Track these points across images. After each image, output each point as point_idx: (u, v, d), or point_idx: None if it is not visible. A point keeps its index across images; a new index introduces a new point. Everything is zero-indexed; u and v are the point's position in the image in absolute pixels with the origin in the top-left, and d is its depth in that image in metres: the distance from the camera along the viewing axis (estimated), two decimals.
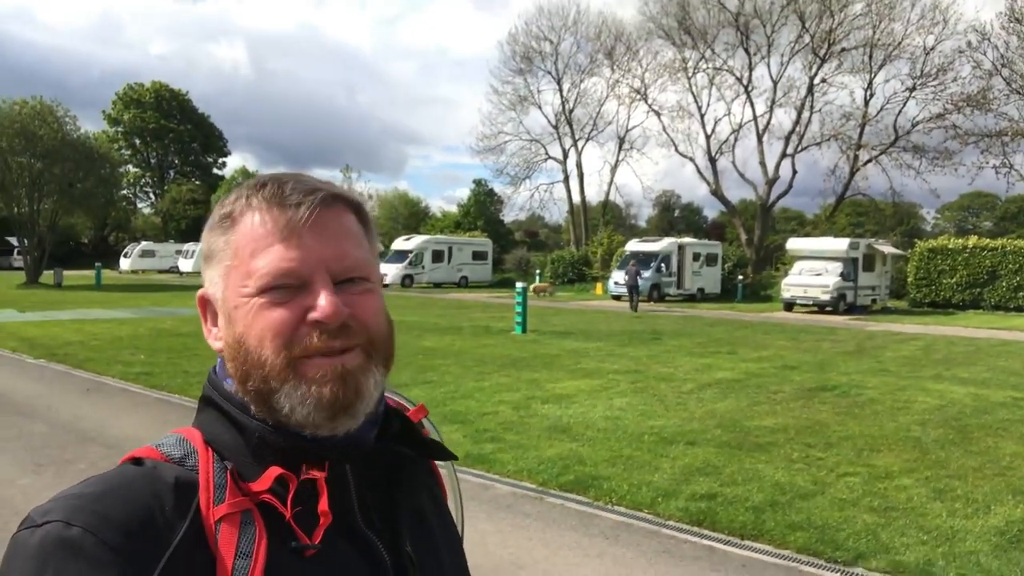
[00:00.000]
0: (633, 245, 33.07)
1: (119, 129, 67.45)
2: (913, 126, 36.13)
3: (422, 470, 0.91)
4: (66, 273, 36.82)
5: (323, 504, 0.76)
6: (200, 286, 0.84)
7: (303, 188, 0.79)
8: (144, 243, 54.71)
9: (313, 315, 0.75)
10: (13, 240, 46.59)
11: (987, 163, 34.18)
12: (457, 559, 0.94)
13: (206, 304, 0.83)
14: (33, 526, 0.68)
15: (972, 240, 29.99)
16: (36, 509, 0.70)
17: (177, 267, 50.89)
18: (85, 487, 0.72)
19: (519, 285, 17.36)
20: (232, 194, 0.81)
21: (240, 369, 0.77)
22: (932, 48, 34.59)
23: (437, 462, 0.97)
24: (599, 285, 36.52)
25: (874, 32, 35.74)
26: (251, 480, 0.75)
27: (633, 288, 25.66)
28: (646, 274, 30.15)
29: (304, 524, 0.74)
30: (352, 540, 0.78)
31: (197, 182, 67.94)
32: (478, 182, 58.12)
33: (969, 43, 32.92)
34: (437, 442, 0.92)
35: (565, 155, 49.01)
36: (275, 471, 0.74)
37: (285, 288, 0.76)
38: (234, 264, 0.78)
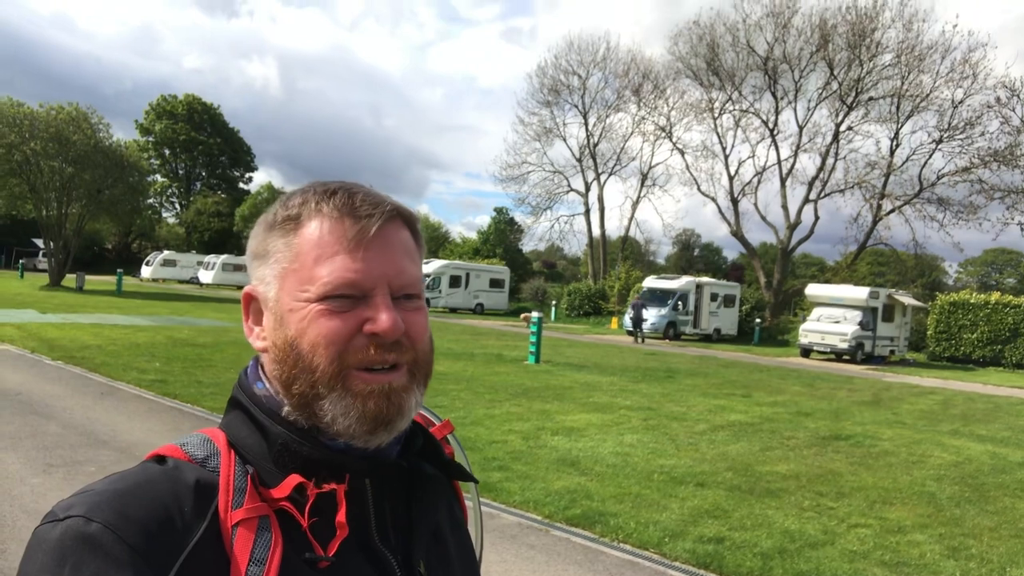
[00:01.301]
0: (651, 282, 33.02)
1: (150, 139, 68.66)
2: (938, 178, 35.94)
3: (442, 488, 0.90)
4: (88, 278, 37.31)
5: (341, 516, 0.76)
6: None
7: (372, 200, 0.80)
8: (167, 252, 55.35)
9: (372, 328, 0.76)
10: (39, 242, 47.35)
11: (1012, 219, 33.91)
12: None
13: (251, 302, 0.84)
14: (55, 520, 0.68)
15: (995, 296, 29.64)
16: (59, 503, 0.71)
17: (198, 278, 51.38)
18: (108, 484, 0.72)
19: (535, 315, 17.35)
20: (297, 197, 0.82)
21: (288, 372, 0.78)
22: (960, 102, 34.49)
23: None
24: (615, 319, 36.42)
25: (902, 83, 35.73)
26: (271, 486, 0.75)
27: (637, 323, 27.40)
28: (663, 311, 30.27)
29: (320, 535, 0.75)
30: (367, 555, 0.78)
31: (223, 195, 68.84)
32: (499, 210, 58.49)
33: (998, 99, 32.85)
34: (458, 464, 0.91)
35: (587, 188, 49.21)
36: (295, 479, 0.75)
37: (345, 298, 0.77)
38: (294, 267, 0.78)
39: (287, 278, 0.79)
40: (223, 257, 51.09)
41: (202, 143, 70.07)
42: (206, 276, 50.37)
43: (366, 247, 0.78)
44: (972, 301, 29.34)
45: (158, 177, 68.42)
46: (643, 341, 27.40)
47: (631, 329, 29.91)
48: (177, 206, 73.51)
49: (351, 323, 0.76)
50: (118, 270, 37.67)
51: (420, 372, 0.82)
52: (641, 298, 30.99)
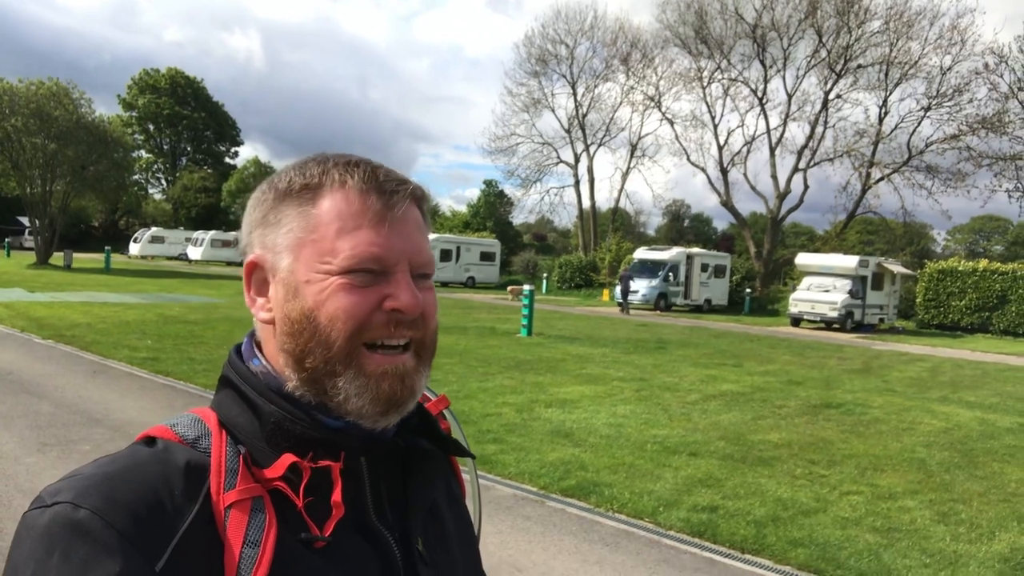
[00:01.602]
0: (642, 253, 33.06)
1: (133, 114, 67.85)
2: (927, 146, 35.94)
3: (439, 465, 0.89)
4: (76, 255, 37.06)
5: (336, 495, 0.74)
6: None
7: (396, 177, 0.79)
8: (154, 229, 54.99)
9: (393, 303, 0.75)
10: (25, 220, 46.93)
11: (1000, 186, 33.99)
12: (471, 556, 0.93)
13: (254, 270, 0.80)
14: (43, 506, 0.67)
15: (983, 263, 29.81)
16: (47, 489, 0.69)
17: (186, 254, 51.10)
18: (96, 467, 0.70)
19: (527, 288, 17.34)
20: (313, 166, 0.79)
21: (302, 345, 0.75)
22: (949, 68, 34.39)
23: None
24: (606, 291, 36.50)
25: (891, 50, 35.58)
26: (264, 466, 0.73)
27: (624, 293, 27.83)
28: (654, 282, 30.36)
29: (316, 515, 0.73)
30: (364, 534, 0.77)
31: (209, 170, 68.26)
32: (489, 183, 58.33)
33: (986, 65, 32.75)
34: (455, 440, 0.89)
35: (577, 159, 49.02)
36: (289, 458, 0.73)
37: (368, 273, 0.75)
38: (312, 238, 0.76)
39: (304, 248, 0.76)
40: (211, 233, 50.76)
41: (186, 118, 69.27)
42: (195, 252, 50.09)
43: (390, 223, 0.76)
44: (960, 268, 29.50)
45: (143, 153, 67.77)
46: (628, 312, 27.63)
47: (621, 301, 30.27)
48: (163, 182, 72.92)
49: (372, 298, 0.75)
50: (106, 247, 37.38)
51: (427, 353, 0.81)
52: (631, 269, 31.12)
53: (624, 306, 27.95)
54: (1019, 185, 33.53)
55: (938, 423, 9.35)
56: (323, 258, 0.75)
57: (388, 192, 0.77)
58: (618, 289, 30.90)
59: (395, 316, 0.75)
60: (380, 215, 0.76)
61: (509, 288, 32.64)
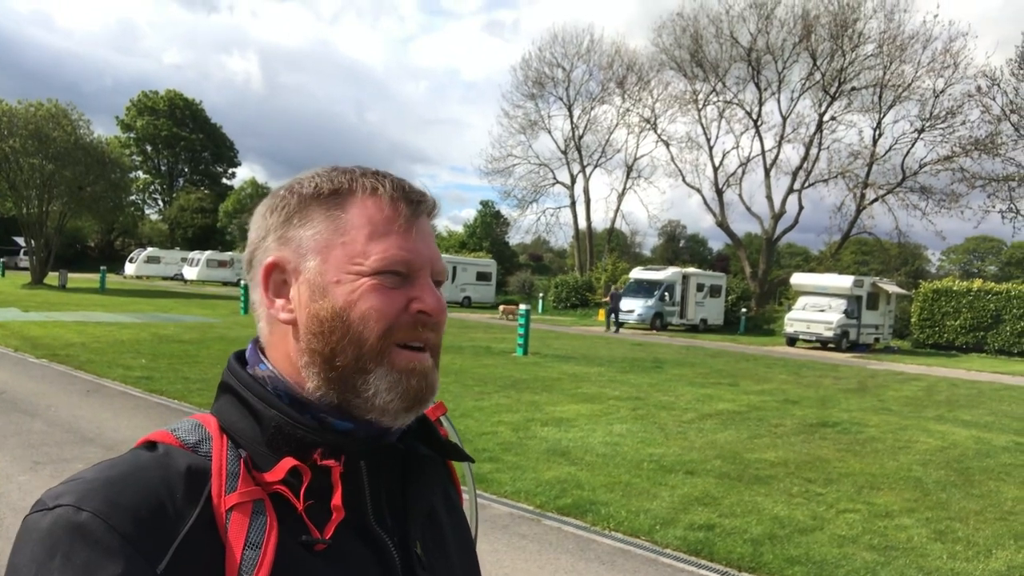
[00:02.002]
0: (637, 273, 33.12)
1: (131, 135, 67.99)
2: (921, 167, 36.23)
3: (437, 470, 0.90)
4: (71, 275, 36.91)
5: (336, 499, 0.75)
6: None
7: (419, 190, 0.85)
8: (150, 249, 54.84)
9: (420, 306, 0.79)
10: (20, 240, 46.80)
11: (993, 207, 34.24)
12: (469, 561, 0.93)
13: (273, 272, 0.81)
14: (44, 509, 0.67)
15: (977, 283, 29.93)
16: (48, 492, 0.69)
17: (182, 274, 51.00)
18: (98, 471, 0.71)
19: (523, 307, 17.34)
20: (340, 175, 0.82)
21: (332, 344, 0.77)
22: (942, 91, 34.76)
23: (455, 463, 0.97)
24: (601, 311, 36.49)
25: (884, 73, 35.97)
26: (265, 470, 0.74)
27: (613, 312, 28.27)
28: (650, 302, 30.40)
29: (316, 518, 0.74)
30: (363, 537, 0.78)
31: (206, 191, 68.32)
32: (485, 203, 58.44)
33: (979, 88, 33.10)
34: (454, 444, 0.91)
35: (573, 180, 49.22)
36: (289, 462, 0.74)
37: (396, 275, 0.78)
38: (342, 241, 0.79)
39: (333, 250, 0.78)
40: (207, 253, 50.69)
41: (184, 139, 69.46)
42: (190, 272, 49.97)
43: (416, 231, 0.81)
44: (955, 288, 29.61)
45: (140, 174, 67.79)
46: (617, 331, 27.88)
47: (621, 321, 30.40)
48: (160, 203, 72.91)
49: (400, 300, 0.78)
50: (101, 267, 37.27)
51: (437, 356, 0.84)
52: (627, 290, 31.26)
53: (610, 324, 28.29)
54: (1012, 206, 33.80)
55: (934, 442, 9.35)
56: (354, 259, 0.78)
57: (415, 202, 0.82)
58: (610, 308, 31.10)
59: (420, 318, 0.79)
60: (409, 222, 0.81)
61: (501, 308, 32.56)
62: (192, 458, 0.73)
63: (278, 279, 0.81)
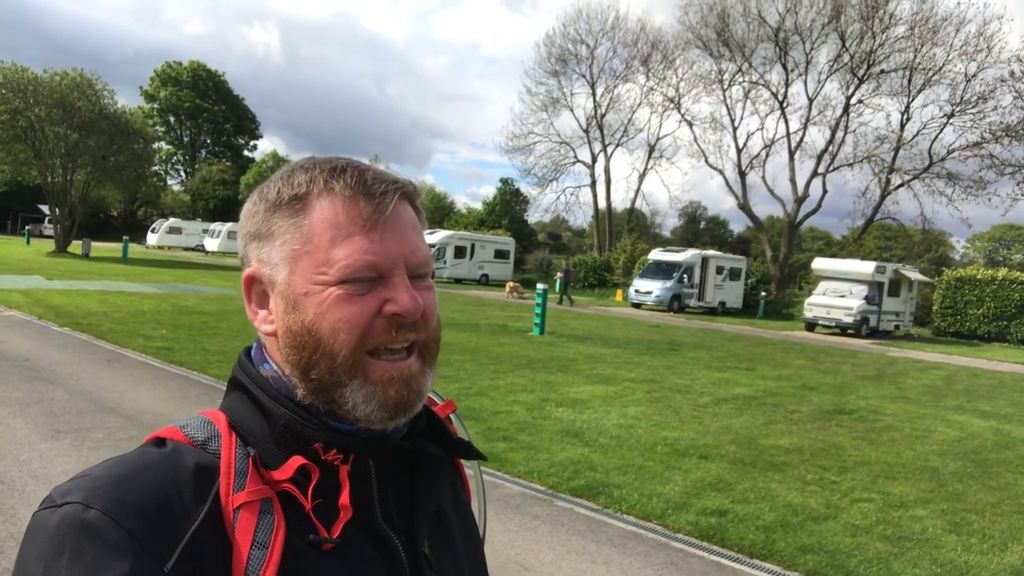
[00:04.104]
0: (656, 254, 32.98)
1: (154, 106, 68.37)
2: (949, 153, 35.59)
3: (446, 468, 0.89)
4: (94, 244, 37.41)
5: (344, 498, 0.75)
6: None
7: (383, 178, 0.78)
8: (172, 220, 55.34)
9: (393, 308, 0.75)
10: (45, 208, 47.37)
11: (1022, 195, 33.63)
12: (476, 561, 0.93)
13: (253, 284, 0.81)
14: (53, 506, 0.67)
15: (1002, 272, 29.49)
16: (57, 488, 0.69)
17: (203, 245, 51.46)
18: (106, 468, 0.71)
19: (540, 286, 17.33)
20: (301, 174, 0.79)
21: (306, 358, 0.76)
22: (974, 75, 34.05)
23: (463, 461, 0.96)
24: (619, 292, 36.42)
25: (915, 56, 35.27)
26: (273, 468, 0.73)
27: (565, 285, 30.33)
28: (668, 284, 30.32)
29: (324, 517, 0.73)
30: (371, 536, 0.77)
31: (227, 163, 68.68)
32: (505, 181, 58.33)
33: (1012, 72, 32.40)
34: (465, 441, 0.90)
35: (594, 159, 48.95)
36: (298, 460, 0.73)
37: (364, 281, 0.75)
38: (307, 250, 0.76)
39: (299, 260, 0.76)
40: (228, 225, 51.07)
41: (207, 110, 69.76)
42: (211, 244, 50.44)
43: (382, 227, 0.76)
44: (979, 277, 29.20)
45: (163, 144, 68.31)
46: (572, 304, 29.49)
47: (639, 301, 30.54)
48: (182, 173, 73.46)
49: (371, 305, 0.75)
50: (124, 237, 37.71)
51: (431, 354, 0.81)
52: (646, 271, 31.50)
53: (566, 300, 29.65)
54: None
55: (952, 432, 9.27)
56: (319, 268, 0.75)
57: (377, 195, 0.76)
58: (632, 290, 31.28)
59: (396, 320, 0.75)
60: (371, 220, 0.76)
61: (508, 285, 32.53)
62: (201, 456, 0.73)
63: (259, 290, 0.81)
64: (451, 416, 0.94)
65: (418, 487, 0.82)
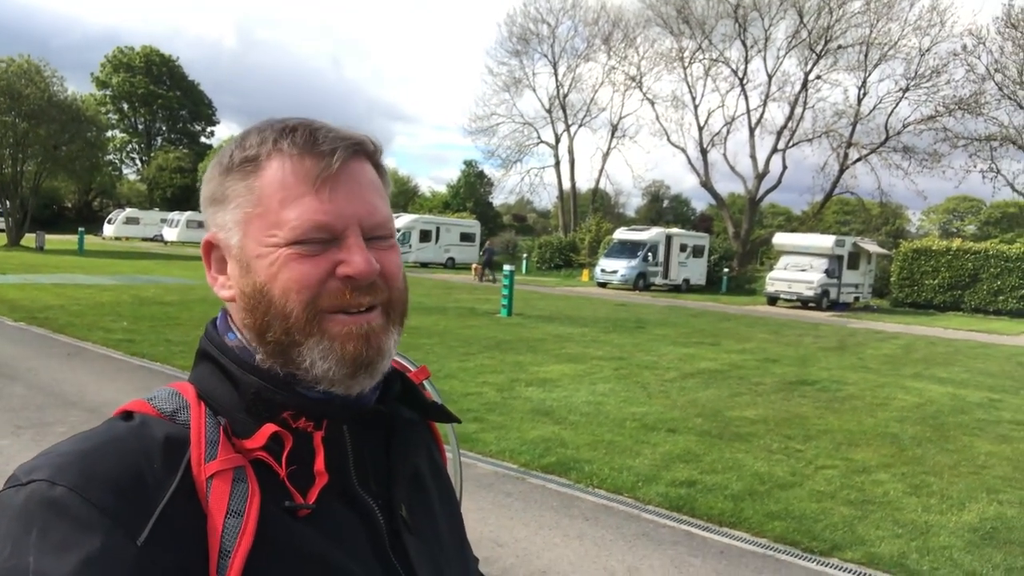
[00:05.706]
0: (621, 233, 33.19)
1: (107, 93, 66.55)
2: (904, 127, 36.26)
3: (422, 433, 0.89)
4: (48, 237, 36.40)
5: (319, 464, 0.74)
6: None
7: (335, 136, 0.76)
8: (129, 210, 54.18)
9: (345, 270, 0.74)
10: None
11: (975, 167, 34.41)
12: (454, 523, 0.93)
13: (211, 250, 0.80)
14: (18, 485, 0.66)
15: (956, 243, 30.26)
16: (21, 467, 0.67)
17: (161, 235, 50.46)
18: (72, 444, 0.69)
19: (507, 268, 17.33)
20: (253, 136, 0.77)
21: (260, 320, 0.75)
22: (927, 50, 34.67)
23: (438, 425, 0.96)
24: (586, 272, 36.60)
25: (871, 31, 35.79)
26: (245, 437, 0.73)
27: (486, 264, 30.70)
28: (633, 262, 30.52)
29: (299, 484, 0.73)
30: (347, 501, 0.77)
31: (184, 150, 67.22)
32: (468, 163, 58.13)
33: (964, 46, 33.02)
34: (439, 405, 0.90)
35: (557, 140, 48.96)
36: (270, 428, 0.73)
37: (316, 242, 0.74)
38: (258, 212, 0.75)
39: (251, 223, 0.75)
40: (187, 214, 50.13)
41: (161, 96, 68.11)
42: (170, 233, 49.48)
43: (332, 186, 0.74)
44: (934, 248, 29.91)
45: (117, 132, 66.58)
46: (493, 281, 28.89)
47: (605, 281, 30.73)
48: (138, 162, 71.73)
49: (323, 266, 0.74)
50: (79, 229, 36.78)
51: (396, 312, 0.79)
52: (611, 250, 31.72)
53: (485, 277, 29.97)
54: (993, 166, 33.99)
55: (911, 399, 9.52)
56: (270, 231, 0.74)
57: (327, 153, 0.74)
58: (599, 269, 31.51)
59: (350, 283, 0.74)
60: (322, 179, 0.74)
61: (474, 266, 32.60)
62: (169, 427, 0.71)
63: (217, 256, 0.80)
64: (424, 382, 0.94)
65: (394, 451, 0.82)
